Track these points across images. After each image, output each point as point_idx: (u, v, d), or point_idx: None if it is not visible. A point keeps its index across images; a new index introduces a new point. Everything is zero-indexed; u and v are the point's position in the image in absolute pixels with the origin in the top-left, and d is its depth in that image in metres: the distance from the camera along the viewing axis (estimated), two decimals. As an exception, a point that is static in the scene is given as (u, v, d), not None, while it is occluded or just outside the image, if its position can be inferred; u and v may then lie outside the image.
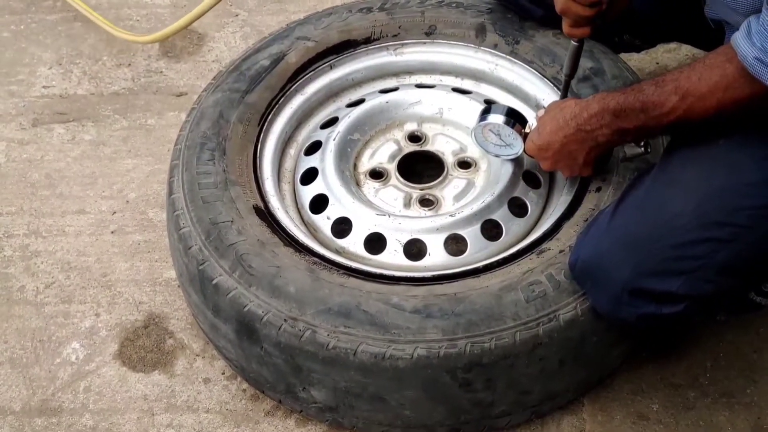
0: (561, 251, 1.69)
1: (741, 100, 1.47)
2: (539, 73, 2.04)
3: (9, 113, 2.56)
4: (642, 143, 1.72)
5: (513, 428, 1.81)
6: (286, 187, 1.99)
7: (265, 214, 1.82)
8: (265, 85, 2.03)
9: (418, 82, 2.16)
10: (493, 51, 2.09)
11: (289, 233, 1.79)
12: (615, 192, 1.75)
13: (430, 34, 2.14)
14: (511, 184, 1.88)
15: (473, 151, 2.03)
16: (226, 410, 1.89)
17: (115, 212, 2.28)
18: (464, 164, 2.01)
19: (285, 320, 1.62)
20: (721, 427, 1.82)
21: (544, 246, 1.73)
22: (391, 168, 2.02)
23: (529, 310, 1.60)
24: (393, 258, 1.81)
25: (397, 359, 1.58)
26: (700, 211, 1.51)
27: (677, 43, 2.47)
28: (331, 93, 2.14)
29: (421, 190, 1.97)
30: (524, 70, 2.06)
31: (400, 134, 2.09)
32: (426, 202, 1.95)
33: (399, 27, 2.14)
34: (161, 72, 2.66)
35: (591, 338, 1.67)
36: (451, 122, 2.08)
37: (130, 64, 2.69)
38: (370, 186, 1.99)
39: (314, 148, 2.01)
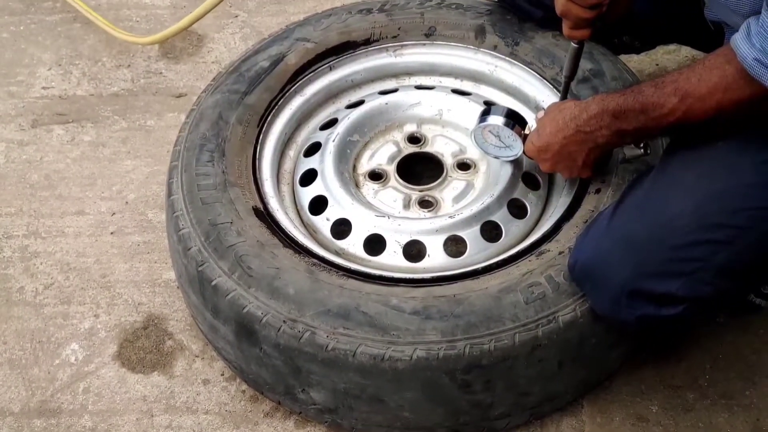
0: (560, 253, 1.69)
1: (740, 101, 1.47)
2: (539, 74, 2.04)
3: (8, 114, 2.56)
4: (642, 144, 1.72)
5: (512, 430, 1.81)
6: (286, 189, 1.99)
7: (264, 215, 1.82)
8: (264, 86, 2.03)
9: (418, 83, 2.16)
10: (492, 52, 2.09)
11: (288, 234, 1.79)
12: (614, 193, 1.75)
13: (429, 35, 2.14)
14: (511, 185, 1.88)
15: (473, 153, 2.03)
16: (225, 411, 1.89)
17: (114, 213, 2.28)
18: (464, 166, 2.01)
19: (284, 321, 1.62)
20: (721, 428, 1.82)
21: (543, 247, 1.73)
22: (391, 169, 2.02)
23: (528, 311, 1.60)
24: (392, 259, 1.81)
25: (397, 361, 1.58)
26: (700, 212, 1.51)
27: (677, 44, 2.47)
28: (331, 94, 2.14)
29: (421, 191, 1.97)
30: (524, 72, 2.06)
31: (399, 136, 2.09)
32: (425, 204, 1.95)
33: (398, 28, 2.14)
34: (161, 73, 2.66)
35: (590, 340, 1.67)
36: (450, 124, 2.08)
37: (129, 65, 2.69)
38: (369, 187, 1.99)
39: (313, 149, 2.01)
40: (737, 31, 1.45)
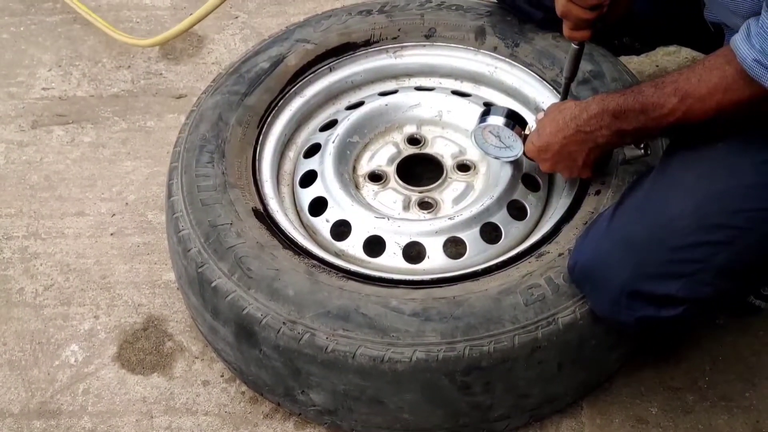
0: (560, 254, 1.69)
1: (740, 102, 1.47)
2: (539, 75, 2.04)
3: (8, 115, 2.56)
4: (642, 145, 1.72)
5: (512, 431, 1.81)
6: (285, 190, 1.99)
7: (264, 216, 1.82)
8: (264, 87, 2.03)
9: (418, 84, 2.16)
10: (492, 54, 2.09)
11: (288, 236, 1.79)
12: (614, 195, 1.75)
13: (429, 36, 2.14)
14: (510, 187, 1.88)
15: (472, 154, 2.03)
16: (224, 413, 1.89)
17: (114, 214, 2.28)
18: (463, 167, 2.01)
19: (284, 323, 1.62)
20: (720, 430, 1.82)
21: (543, 249, 1.73)
22: (391, 171, 2.02)
23: (528, 313, 1.60)
24: (392, 261, 1.81)
25: (396, 362, 1.58)
26: (700, 213, 1.51)
27: (677, 45, 2.47)
28: (331, 95, 2.14)
29: (420, 192, 1.97)
30: (524, 73, 2.06)
31: (399, 137, 2.09)
32: (425, 205, 1.95)
33: (398, 30, 2.14)
34: (161, 74, 2.66)
35: (590, 341, 1.67)
36: (450, 125, 2.08)
37: (129, 66, 2.69)
38: (369, 189, 1.99)
39: (313, 150, 2.01)
40: (737, 32, 1.45)
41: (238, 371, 1.85)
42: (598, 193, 1.78)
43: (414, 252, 1.83)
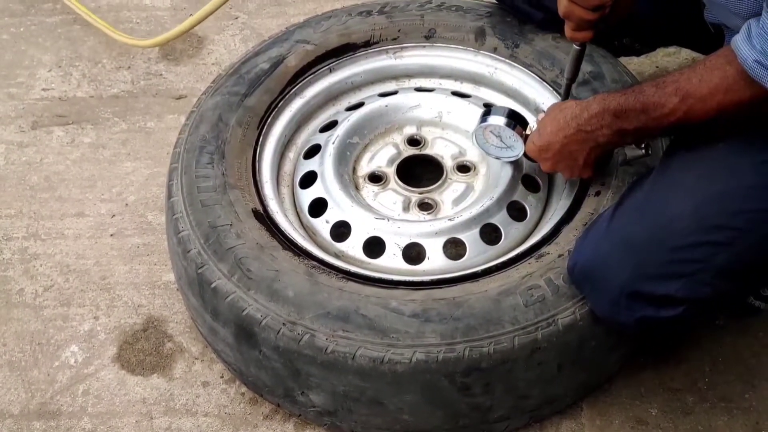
0: (560, 255, 1.69)
1: (741, 103, 1.47)
2: (538, 76, 2.03)
3: (8, 116, 2.56)
4: (643, 145, 1.72)
5: (512, 432, 1.81)
6: (285, 191, 1.99)
7: (263, 217, 1.82)
8: (264, 88, 2.03)
9: (418, 85, 2.16)
10: (492, 54, 2.09)
11: (287, 237, 1.79)
12: (614, 196, 1.75)
13: (429, 37, 2.14)
14: (510, 187, 1.88)
15: (472, 155, 2.03)
16: (224, 414, 1.89)
17: (114, 215, 2.28)
18: (463, 168, 2.01)
19: (284, 324, 1.62)
20: (720, 431, 1.82)
21: (543, 250, 1.73)
22: (390, 172, 2.02)
23: (527, 314, 1.60)
24: (392, 262, 1.81)
25: (396, 363, 1.58)
26: (699, 214, 1.51)
27: (677, 46, 2.47)
28: (331, 96, 2.14)
29: (420, 193, 1.97)
30: (523, 74, 2.06)
31: (399, 138, 2.09)
32: (425, 206, 1.95)
33: (398, 30, 2.14)
34: (161, 75, 2.66)
35: (589, 342, 1.67)
36: (450, 126, 2.08)
37: (129, 67, 2.69)
38: (369, 190, 1.99)
39: (313, 151, 2.01)
40: (737, 33, 1.45)
41: (238, 372, 1.85)
42: (598, 194, 1.78)
43: (414, 253, 1.83)
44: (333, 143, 1.98)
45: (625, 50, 2.19)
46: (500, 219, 1.85)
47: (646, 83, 1.58)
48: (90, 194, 2.34)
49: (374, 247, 1.84)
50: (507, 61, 2.08)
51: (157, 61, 2.70)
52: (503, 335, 1.58)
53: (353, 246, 1.84)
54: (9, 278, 2.16)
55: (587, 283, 1.60)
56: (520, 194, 1.89)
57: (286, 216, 1.88)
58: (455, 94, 2.12)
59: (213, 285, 1.70)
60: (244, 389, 1.91)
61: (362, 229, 1.85)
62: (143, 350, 2.00)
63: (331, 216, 1.89)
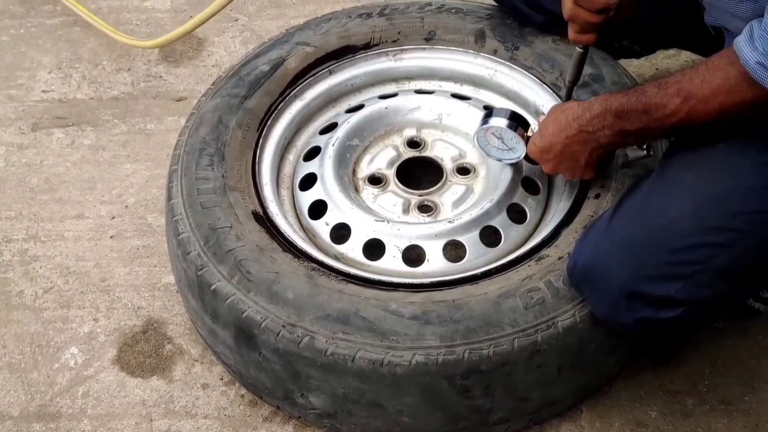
0: (560, 258, 1.69)
1: (743, 104, 1.47)
2: (538, 79, 2.03)
3: (8, 117, 2.56)
4: (644, 146, 1.72)
5: (511, 435, 1.81)
6: (285, 193, 1.99)
7: (263, 219, 1.82)
8: (264, 90, 2.03)
9: (418, 87, 2.16)
10: (492, 57, 2.09)
11: (287, 239, 1.79)
12: (614, 198, 1.75)
13: (429, 39, 2.14)
14: (510, 190, 1.88)
15: (472, 157, 2.03)
16: (224, 416, 1.89)
17: (114, 217, 2.28)
18: (463, 170, 2.01)
19: (283, 326, 1.62)
20: (720, 434, 1.82)
21: (542, 253, 1.73)
22: (390, 174, 2.02)
23: (527, 317, 1.60)
24: (392, 264, 1.81)
25: (396, 366, 1.58)
26: (699, 215, 1.52)
27: (677, 49, 2.47)
28: (331, 98, 2.14)
29: (420, 196, 1.97)
30: (523, 76, 2.06)
31: (399, 140, 2.09)
32: (425, 208, 1.95)
33: (398, 33, 2.14)
34: (161, 77, 2.66)
35: (589, 345, 1.67)
36: (450, 128, 2.08)
37: (129, 69, 2.69)
38: (368, 192, 1.99)
39: (313, 153, 2.01)
40: (737, 35, 1.45)
41: (238, 374, 1.85)
42: (597, 196, 1.78)
43: (414, 255, 1.83)
44: (333, 145, 1.98)
45: (625, 52, 2.19)
46: (500, 221, 1.85)
47: (648, 84, 1.58)
48: (90, 196, 2.34)
49: (374, 249, 1.84)
50: (507, 63, 2.08)
51: (157, 63, 2.70)
52: (503, 337, 1.58)
53: (353, 248, 1.84)
54: (9, 280, 2.16)
55: (587, 283, 1.60)
56: (520, 196, 1.89)
57: (285, 218, 1.88)
58: (455, 96, 2.12)
59: (213, 287, 1.70)
60: (243, 391, 1.91)
61: (362, 231, 1.85)
62: (143, 352, 2.00)
63: (330, 218, 1.89)
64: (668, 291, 1.52)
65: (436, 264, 1.80)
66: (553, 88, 2.00)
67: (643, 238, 1.54)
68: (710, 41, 1.75)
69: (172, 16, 2.87)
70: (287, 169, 2.04)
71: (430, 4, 2.17)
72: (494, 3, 2.15)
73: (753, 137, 1.56)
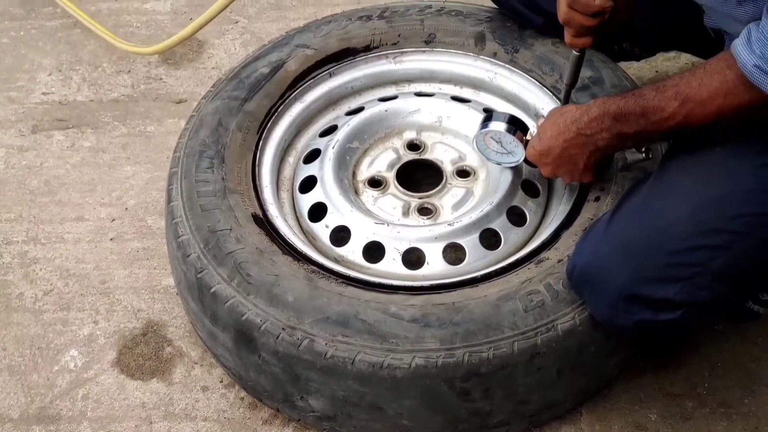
0: (559, 261, 1.69)
1: (741, 107, 1.47)
2: (538, 81, 2.03)
3: (8, 120, 2.56)
4: (643, 149, 1.72)
5: (511, 437, 1.81)
6: (285, 196, 1.99)
7: (263, 222, 1.82)
8: (264, 92, 2.03)
9: (418, 90, 2.16)
10: (492, 59, 2.09)
11: (287, 241, 1.79)
12: (613, 201, 1.75)
13: (429, 42, 2.14)
14: (510, 193, 1.88)
15: (472, 160, 2.03)
16: (224, 418, 1.89)
17: (114, 219, 2.28)
18: (463, 173, 2.01)
19: (283, 329, 1.62)
20: (719, 436, 1.82)
21: (542, 255, 1.73)
22: (390, 176, 2.02)
23: (527, 319, 1.60)
24: (391, 267, 1.81)
25: (395, 369, 1.58)
26: (697, 218, 1.52)
27: (676, 51, 2.47)
28: (330, 101, 2.14)
29: (420, 198, 1.97)
30: (523, 79, 2.06)
31: (399, 142, 2.09)
32: (425, 211, 1.95)
33: (398, 35, 2.14)
34: (161, 79, 2.66)
35: (589, 348, 1.67)
36: (450, 131, 2.08)
37: (129, 71, 2.69)
38: (368, 194, 1.99)
39: (313, 156, 2.01)
40: (737, 37, 1.45)
41: (237, 377, 1.85)
42: (597, 199, 1.78)
43: (413, 258, 1.83)
44: (333, 148, 1.98)
45: (625, 55, 2.19)
46: (500, 224, 1.85)
47: (646, 87, 1.59)
48: (90, 198, 2.34)
49: (374, 251, 1.84)
50: (507, 66, 2.08)
51: (157, 66, 2.70)
52: (502, 340, 1.58)
53: (353, 251, 1.84)
54: (9, 282, 2.16)
55: (586, 286, 1.60)
56: (520, 199, 1.89)
57: (285, 220, 1.88)
58: (455, 98, 2.12)
59: (212, 289, 1.70)
60: (243, 394, 1.91)
61: (362, 234, 1.85)
62: (143, 355, 2.00)
63: (330, 221, 1.89)
64: (667, 293, 1.52)
65: (435, 267, 1.80)
66: (553, 90, 2.00)
67: (642, 241, 1.54)
68: (710, 44, 1.75)
69: (172, 18, 2.87)
70: (287, 171, 2.04)
71: (430, 7, 2.17)
72: (494, 5, 2.15)
73: (751, 140, 1.56)
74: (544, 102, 2.01)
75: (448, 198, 1.97)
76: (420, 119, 2.10)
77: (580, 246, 1.65)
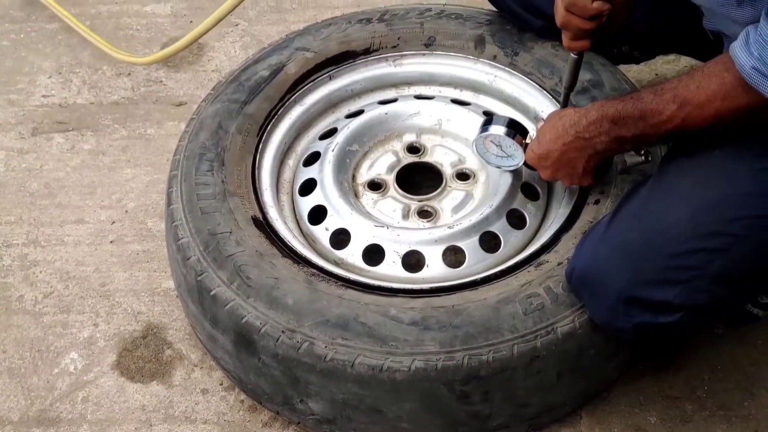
0: (559, 264, 1.69)
1: (739, 109, 1.48)
2: (538, 84, 2.04)
3: (8, 122, 2.57)
4: (642, 152, 1.72)
5: (511, 440, 1.81)
6: (285, 198, 1.99)
7: (263, 225, 1.82)
8: (264, 95, 2.03)
9: (417, 93, 2.16)
10: (492, 62, 2.10)
11: (287, 244, 1.79)
12: (613, 204, 1.75)
13: (429, 45, 2.14)
14: (510, 195, 1.88)
15: (472, 163, 2.03)
16: (223, 421, 1.89)
17: (114, 222, 2.28)
18: (463, 176, 2.02)
19: (283, 332, 1.62)
20: (719, 439, 1.82)
21: (542, 258, 1.73)
22: (390, 179, 2.02)
23: (526, 322, 1.60)
24: (391, 270, 1.81)
25: (395, 371, 1.58)
26: (696, 221, 1.52)
27: (676, 54, 2.47)
28: (330, 104, 2.14)
29: (420, 201, 1.97)
30: (523, 82, 2.06)
31: (398, 145, 2.09)
32: (424, 214, 1.95)
33: (398, 38, 2.14)
34: (161, 81, 2.67)
35: (588, 351, 1.67)
36: (449, 133, 2.09)
37: (129, 74, 2.69)
38: (368, 197, 1.99)
39: (313, 159, 2.02)
40: (735, 40, 1.45)
41: (237, 380, 1.85)
42: (597, 202, 1.78)
43: (413, 261, 1.83)
44: (333, 151, 1.98)
45: (625, 58, 2.19)
46: (500, 227, 1.85)
47: (644, 90, 1.59)
48: (90, 201, 2.34)
49: (374, 254, 1.84)
50: (506, 69, 2.08)
51: (157, 68, 2.70)
52: (502, 343, 1.59)
53: (353, 253, 1.84)
54: (9, 285, 2.16)
55: (585, 288, 1.60)
56: (520, 202, 1.89)
57: (285, 223, 1.88)
58: (455, 101, 2.12)
59: (212, 292, 1.70)
60: (243, 396, 1.91)
61: (362, 237, 1.85)
62: (143, 357, 2.00)
63: (330, 223, 1.89)
64: (666, 296, 1.52)
65: (435, 269, 1.81)
66: (553, 93, 2.01)
67: (641, 244, 1.54)
68: (709, 46, 1.75)
69: (172, 21, 2.87)
70: (287, 174, 2.04)
71: (429, 10, 2.17)
72: (493, 8, 2.16)
73: (749, 143, 1.56)
74: (544, 105, 2.01)
75: (447, 201, 1.97)
76: (420, 122, 2.10)
77: (580, 249, 1.65)
